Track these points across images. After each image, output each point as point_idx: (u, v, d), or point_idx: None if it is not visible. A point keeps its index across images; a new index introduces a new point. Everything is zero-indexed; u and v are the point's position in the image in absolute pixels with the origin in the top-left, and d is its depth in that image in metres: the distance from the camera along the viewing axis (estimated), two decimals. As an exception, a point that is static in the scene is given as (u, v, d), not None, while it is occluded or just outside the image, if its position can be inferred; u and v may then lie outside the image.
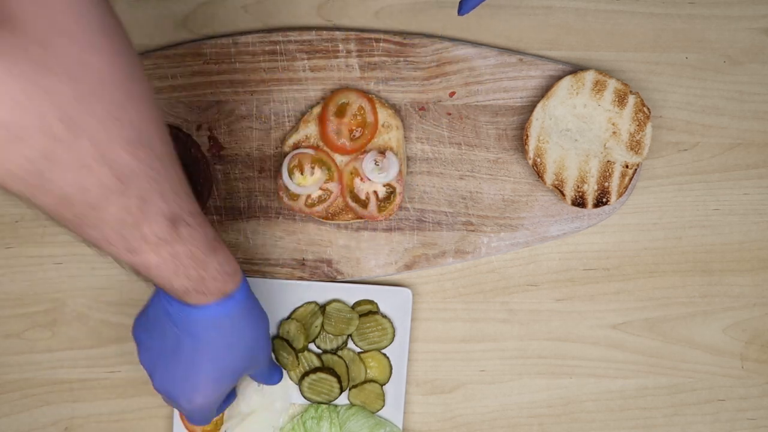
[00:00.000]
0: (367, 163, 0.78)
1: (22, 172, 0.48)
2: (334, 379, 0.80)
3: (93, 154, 0.50)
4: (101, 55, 0.49)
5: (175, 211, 0.57)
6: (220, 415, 0.80)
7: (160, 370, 0.67)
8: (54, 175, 0.49)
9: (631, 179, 0.79)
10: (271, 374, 0.76)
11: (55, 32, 0.47)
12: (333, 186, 0.79)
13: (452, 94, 0.81)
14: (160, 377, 0.67)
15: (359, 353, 0.81)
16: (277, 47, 0.81)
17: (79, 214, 0.53)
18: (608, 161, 0.79)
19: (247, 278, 0.81)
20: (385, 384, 0.81)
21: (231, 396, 0.74)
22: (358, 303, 0.81)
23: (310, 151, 0.79)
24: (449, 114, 0.81)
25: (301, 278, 0.82)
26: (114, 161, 0.51)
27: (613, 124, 0.79)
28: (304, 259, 0.82)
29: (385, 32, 0.81)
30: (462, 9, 0.72)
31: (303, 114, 0.81)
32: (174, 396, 0.67)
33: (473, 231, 0.82)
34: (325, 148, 0.79)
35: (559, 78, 0.80)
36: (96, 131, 0.49)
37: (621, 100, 0.78)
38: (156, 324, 0.66)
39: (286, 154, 0.80)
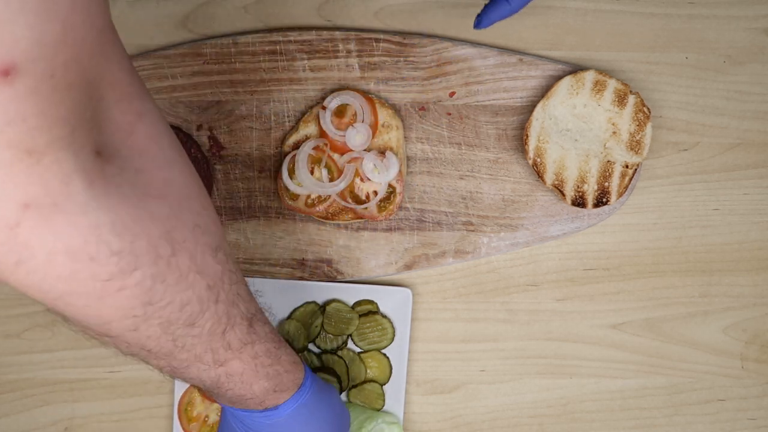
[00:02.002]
0: (367, 163, 0.78)
1: (135, 302, 0.47)
2: (333, 379, 0.80)
3: (190, 266, 0.49)
4: (178, 170, 0.50)
5: (251, 310, 0.57)
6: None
7: None
8: (161, 297, 0.48)
9: (631, 179, 0.79)
10: None
11: (144, 156, 0.47)
12: (333, 186, 0.79)
13: (452, 94, 0.81)
14: None
15: (359, 353, 0.81)
16: (277, 47, 0.81)
17: (175, 338, 0.52)
18: (608, 161, 0.79)
19: (248, 278, 0.81)
20: (385, 384, 0.81)
21: None
22: (358, 303, 0.81)
23: (311, 151, 0.79)
24: (449, 114, 0.81)
25: (301, 278, 0.82)
26: (206, 270, 0.51)
27: (613, 124, 0.79)
28: (304, 259, 0.82)
29: (385, 32, 0.81)
30: (480, 23, 0.71)
31: (303, 114, 0.81)
32: None
33: (473, 231, 0.82)
34: (325, 148, 0.79)
35: (559, 78, 0.80)
36: (189, 243, 0.49)
37: (621, 100, 0.78)
38: None
39: (286, 154, 0.80)
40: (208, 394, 0.62)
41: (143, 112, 0.48)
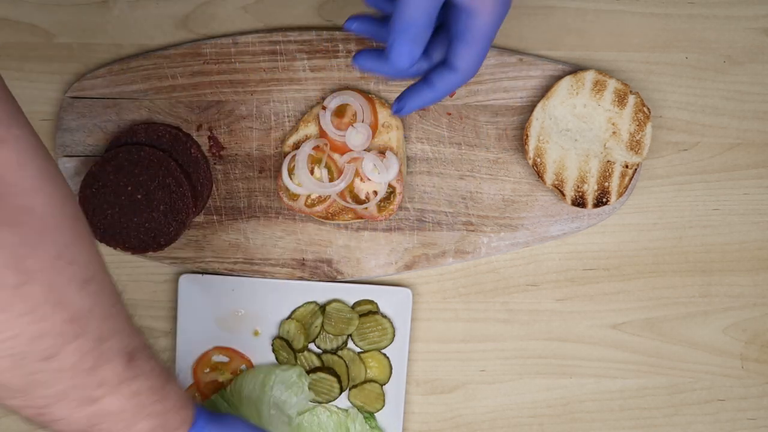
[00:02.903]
0: (367, 163, 0.78)
1: None
2: (333, 379, 0.80)
3: (46, 298, 0.47)
4: (44, 199, 0.48)
5: (132, 344, 0.54)
6: None
7: None
8: (6, 327, 0.46)
9: (631, 179, 0.79)
10: None
11: None
12: (333, 186, 0.79)
13: (452, 94, 0.81)
14: None
15: (359, 353, 0.81)
16: (277, 47, 0.81)
17: (32, 371, 0.49)
18: (608, 161, 0.79)
19: (248, 278, 0.81)
20: (385, 384, 0.81)
21: None
22: (358, 303, 0.81)
23: (311, 151, 0.79)
24: (449, 114, 0.81)
25: (301, 278, 0.82)
26: (67, 303, 0.48)
27: (613, 124, 0.79)
28: (304, 259, 0.82)
29: (385, 32, 0.81)
30: (401, 110, 0.67)
31: (303, 114, 0.81)
32: None
33: (473, 231, 0.82)
34: (325, 148, 0.79)
35: (559, 78, 0.80)
36: (46, 274, 0.47)
37: (621, 100, 0.78)
38: None
39: (286, 154, 0.80)
40: None
41: (5, 138, 0.47)
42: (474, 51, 0.61)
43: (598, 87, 0.78)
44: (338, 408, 0.81)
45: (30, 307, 0.47)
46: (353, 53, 0.80)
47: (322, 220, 0.80)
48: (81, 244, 0.50)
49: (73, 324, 0.49)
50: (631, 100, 0.78)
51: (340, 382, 0.80)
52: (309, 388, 0.80)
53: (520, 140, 0.81)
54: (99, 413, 0.54)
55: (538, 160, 0.79)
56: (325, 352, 0.81)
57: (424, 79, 0.65)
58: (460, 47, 0.61)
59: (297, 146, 0.80)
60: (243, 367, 0.81)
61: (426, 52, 0.64)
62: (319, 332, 0.81)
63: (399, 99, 0.67)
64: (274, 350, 0.81)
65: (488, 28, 0.59)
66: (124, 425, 0.55)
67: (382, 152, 0.79)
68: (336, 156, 0.79)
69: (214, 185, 0.81)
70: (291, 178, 0.79)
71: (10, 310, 0.46)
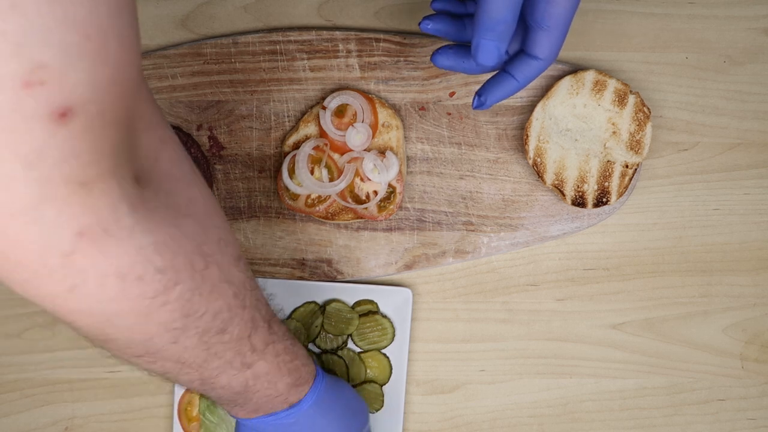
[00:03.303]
0: (367, 163, 0.78)
1: (176, 316, 0.49)
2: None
3: (220, 277, 0.52)
4: (198, 190, 0.53)
5: (269, 311, 0.60)
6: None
7: None
8: (197, 308, 0.51)
9: (631, 179, 0.79)
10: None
11: (169, 179, 0.50)
12: (333, 186, 0.79)
13: (452, 94, 0.81)
14: None
15: (359, 353, 0.81)
16: (277, 47, 0.81)
17: (209, 347, 0.54)
18: (608, 161, 0.79)
19: (247, 278, 0.81)
20: (385, 384, 0.81)
21: None
22: (358, 303, 0.81)
23: (311, 151, 0.79)
24: (449, 114, 0.81)
25: (301, 278, 0.82)
26: (232, 279, 0.53)
27: (613, 124, 0.79)
28: (304, 259, 0.82)
29: (385, 32, 0.81)
30: (483, 104, 0.67)
31: (303, 114, 0.81)
32: None
33: (473, 231, 0.82)
34: (325, 148, 0.79)
35: (559, 78, 0.80)
36: (217, 256, 0.52)
37: (621, 100, 0.78)
38: None
39: (286, 154, 0.80)
40: (231, 406, 0.63)
41: (165, 138, 0.51)
42: (554, 38, 0.62)
43: (598, 87, 0.78)
44: None
45: (212, 286, 0.51)
46: (352, 53, 0.81)
47: (322, 220, 0.80)
48: (227, 226, 0.56)
49: (237, 298, 0.54)
50: (631, 100, 0.78)
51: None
52: None
53: (520, 140, 0.81)
54: (252, 376, 0.59)
55: (538, 160, 0.79)
56: (325, 352, 0.81)
57: (505, 70, 0.65)
58: (541, 36, 0.62)
59: (297, 146, 0.80)
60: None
61: None
62: (319, 332, 0.81)
63: (480, 93, 0.67)
64: (274, 350, 0.81)
65: (567, 13, 0.60)
66: (269, 384, 0.61)
67: (382, 152, 0.79)
68: (336, 156, 0.79)
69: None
70: (291, 178, 0.79)
71: (200, 292, 0.50)
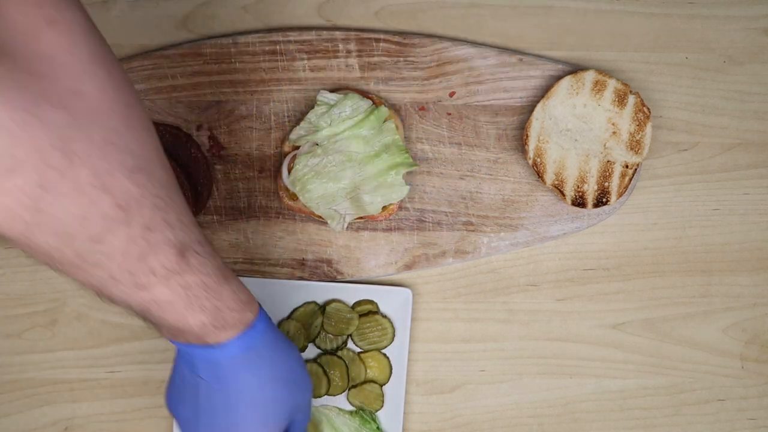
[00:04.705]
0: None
1: (19, 206, 0.47)
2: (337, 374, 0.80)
3: (92, 182, 0.49)
4: (96, 83, 0.49)
5: (182, 239, 0.55)
6: None
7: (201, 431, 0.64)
8: (52, 207, 0.48)
9: (631, 179, 0.79)
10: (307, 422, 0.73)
11: (48, 63, 0.47)
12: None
13: (452, 94, 0.81)
14: None
15: (359, 353, 0.81)
16: (277, 47, 0.81)
17: (82, 251, 0.51)
18: (608, 161, 0.79)
19: (248, 278, 0.81)
20: (385, 384, 0.81)
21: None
22: (358, 303, 0.81)
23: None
24: (449, 114, 0.81)
25: (301, 278, 0.82)
26: (115, 189, 0.50)
27: (613, 124, 0.79)
28: (304, 259, 0.82)
29: (385, 32, 0.81)
30: None
31: (303, 114, 0.81)
32: None
33: (473, 231, 0.82)
34: (325, 148, 0.79)
35: (559, 78, 0.80)
36: (94, 158, 0.49)
37: (621, 100, 0.78)
38: (185, 388, 0.64)
39: (286, 154, 0.80)
40: (149, 326, 0.60)
41: (57, 20, 0.48)
42: None
43: (598, 87, 0.78)
44: (340, 409, 0.81)
45: (75, 188, 0.48)
46: (352, 53, 0.81)
47: (322, 220, 0.80)
48: (132, 133, 0.51)
49: (120, 210, 0.50)
50: (631, 100, 0.78)
51: (329, 382, 0.80)
52: None
53: (520, 140, 0.81)
54: (151, 299, 0.56)
55: (538, 160, 0.79)
56: (325, 352, 0.81)
57: None
58: None
59: (297, 146, 0.80)
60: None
61: None
62: (319, 332, 0.81)
63: None
64: (274, 350, 0.81)
65: None
66: (176, 315, 0.57)
67: (382, 152, 0.79)
68: (336, 156, 0.79)
69: (214, 185, 0.81)
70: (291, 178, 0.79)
71: (56, 190, 0.47)
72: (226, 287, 0.59)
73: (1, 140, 0.44)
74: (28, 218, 0.48)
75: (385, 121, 0.78)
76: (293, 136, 0.78)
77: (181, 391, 0.65)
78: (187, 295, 0.57)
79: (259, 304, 0.63)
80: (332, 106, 0.77)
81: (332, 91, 0.80)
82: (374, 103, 0.78)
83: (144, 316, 0.58)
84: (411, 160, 0.77)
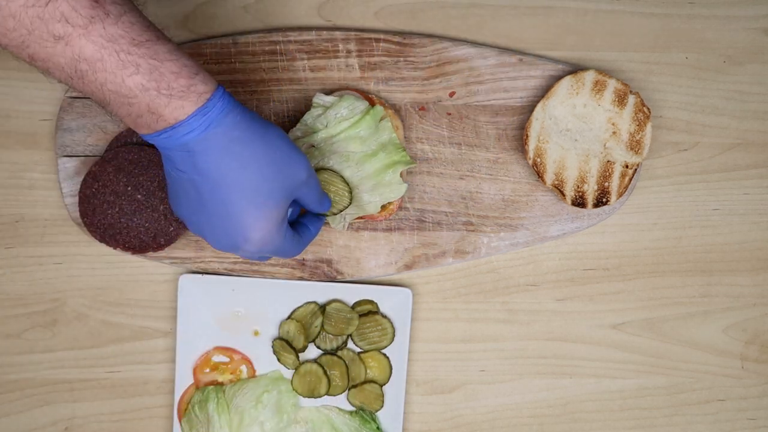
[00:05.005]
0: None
1: None
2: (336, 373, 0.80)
3: None
4: None
5: None
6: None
7: (206, 229, 0.64)
8: None
9: (631, 179, 0.79)
10: (321, 198, 0.71)
11: None
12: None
13: (452, 94, 0.81)
14: (210, 236, 0.64)
15: (359, 353, 0.81)
16: (277, 47, 0.81)
17: None
18: (608, 161, 0.79)
19: (248, 278, 0.81)
20: (385, 384, 0.81)
21: (314, 222, 0.72)
22: (358, 303, 0.81)
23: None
24: (449, 114, 0.81)
25: (301, 278, 0.82)
26: None
27: (613, 124, 0.79)
28: (304, 259, 0.82)
29: (385, 32, 0.81)
30: None
31: (303, 114, 0.81)
32: (233, 245, 0.64)
33: (473, 231, 0.82)
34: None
35: (559, 78, 0.80)
36: None
37: (621, 100, 0.78)
38: (177, 188, 0.63)
39: (286, 154, 0.80)
40: (102, 106, 0.58)
41: None
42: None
43: (598, 87, 0.78)
44: (340, 409, 0.81)
45: None
46: (352, 53, 0.81)
47: (322, 220, 0.80)
48: None
49: None
50: (631, 100, 0.78)
51: (328, 382, 0.80)
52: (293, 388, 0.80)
53: (520, 140, 0.81)
54: (78, 57, 0.54)
55: (538, 160, 0.79)
56: (325, 352, 0.81)
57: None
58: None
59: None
60: (243, 367, 0.81)
61: None
62: (319, 332, 0.81)
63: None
64: (274, 351, 0.81)
65: None
66: (112, 77, 0.55)
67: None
68: (336, 156, 0.79)
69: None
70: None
71: None
72: (161, 46, 0.57)
73: None
74: None
75: (381, 120, 0.78)
76: (290, 137, 0.78)
77: (175, 194, 0.64)
78: (115, 50, 0.54)
79: (221, 86, 0.61)
80: (328, 108, 0.77)
81: (330, 92, 0.80)
82: (371, 103, 0.78)
83: (77, 82, 0.56)
84: (408, 157, 0.77)
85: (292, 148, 0.65)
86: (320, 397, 0.80)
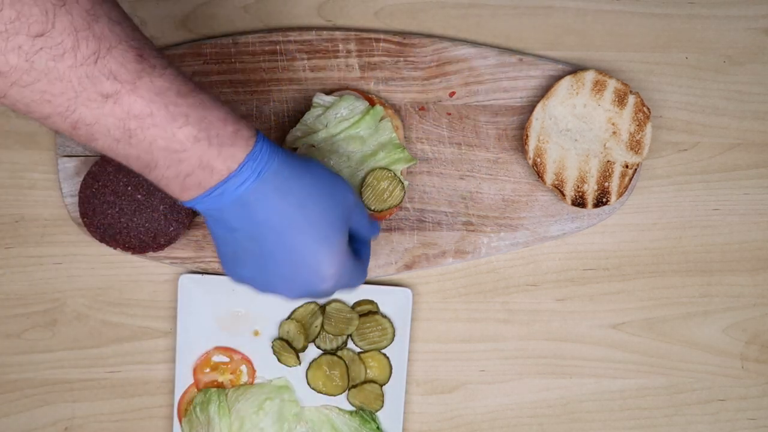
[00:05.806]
0: (367, 163, 0.78)
1: None
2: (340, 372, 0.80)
3: None
4: None
5: (139, 41, 0.52)
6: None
7: (277, 283, 0.61)
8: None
9: (631, 179, 0.79)
10: (372, 223, 0.69)
11: None
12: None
13: (452, 94, 0.81)
14: (283, 288, 0.61)
15: (359, 353, 0.81)
16: (277, 47, 0.81)
17: (30, 54, 0.48)
18: (608, 161, 0.79)
19: (247, 278, 0.81)
20: (385, 384, 0.81)
21: (364, 246, 0.69)
22: (358, 303, 0.81)
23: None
24: (449, 114, 0.81)
25: (301, 278, 0.82)
26: None
27: (613, 124, 0.79)
28: (304, 259, 0.82)
29: (385, 32, 0.81)
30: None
31: (303, 114, 0.81)
32: (310, 289, 0.62)
33: (473, 231, 0.82)
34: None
35: (559, 78, 0.80)
36: None
37: (621, 100, 0.78)
38: (234, 251, 0.60)
39: (286, 154, 0.80)
40: (161, 181, 0.56)
41: None
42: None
43: (598, 87, 0.78)
44: (341, 409, 0.81)
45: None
46: (352, 53, 0.81)
47: (322, 220, 0.80)
48: None
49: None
50: (631, 100, 0.78)
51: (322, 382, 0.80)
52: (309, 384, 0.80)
53: (520, 140, 0.81)
54: (128, 115, 0.52)
55: (538, 160, 0.79)
56: (325, 352, 0.81)
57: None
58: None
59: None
60: (243, 367, 0.81)
61: None
62: (319, 332, 0.81)
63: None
64: (274, 351, 0.81)
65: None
66: (162, 132, 0.54)
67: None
68: (336, 156, 0.79)
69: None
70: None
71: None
72: (204, 95, 0.56)
73: None
74: None
75: (381, 120, 0.78)
76: (289, 138, 0.78)
77: (233, 257, 0.61)
78: (164, 103, 0.53)
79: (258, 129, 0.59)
80: (328, 108, 0.77)
81: (330, 92, 0.80)
82: (371, 103, 0.78)
83: (134, 153, 0.54)
84: (408, 155, 0.77)
85: (334, 174, 0.63)
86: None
